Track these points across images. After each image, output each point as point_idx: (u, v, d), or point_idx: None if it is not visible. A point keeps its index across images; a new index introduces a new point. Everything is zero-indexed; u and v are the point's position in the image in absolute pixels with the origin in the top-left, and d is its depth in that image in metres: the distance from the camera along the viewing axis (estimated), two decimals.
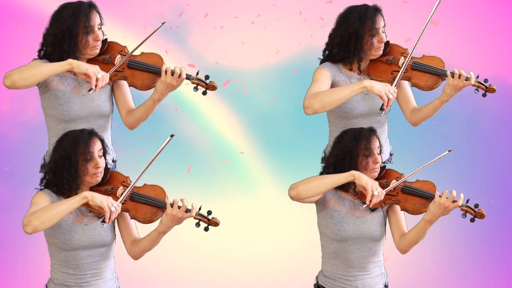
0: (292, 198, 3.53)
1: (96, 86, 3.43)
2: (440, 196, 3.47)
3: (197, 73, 3.57)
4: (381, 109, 3.60)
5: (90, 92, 3.45)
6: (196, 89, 3.57)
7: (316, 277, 3.72)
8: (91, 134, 3.39)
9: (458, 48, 5.33)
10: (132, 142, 5.03)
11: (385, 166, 3.61)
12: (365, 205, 3.48)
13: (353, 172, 3.49)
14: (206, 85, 3.56)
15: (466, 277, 5.32)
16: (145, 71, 3.57)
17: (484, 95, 3.68)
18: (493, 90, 3.67)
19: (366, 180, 3.46)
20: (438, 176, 4.79)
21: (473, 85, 3.65)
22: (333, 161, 3.58)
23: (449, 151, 3.59)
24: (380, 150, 3.58)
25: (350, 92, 3.59)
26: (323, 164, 3.68)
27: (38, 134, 4.85)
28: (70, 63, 3.42)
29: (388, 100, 3.54)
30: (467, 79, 3.62)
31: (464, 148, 5.34)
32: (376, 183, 3.48)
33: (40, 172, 3.73)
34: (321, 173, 3.64)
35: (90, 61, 3.57)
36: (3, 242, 5.16)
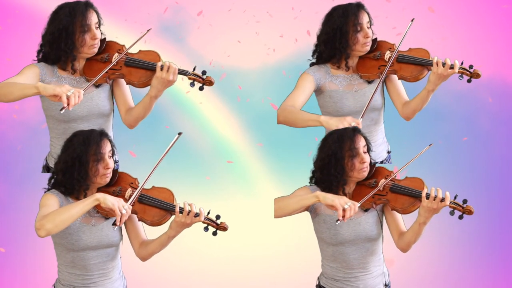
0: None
1: (68, 104, 3.32)
2: (427, 199, 3.44)
3: (194, 69, 3.57)
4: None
5: (62, 111, 3.34)
6: (192, 84, 3.57)
7: (318, 278, 3.72)
8: (101, 134, 3.40)
9: (457, 48, 5.33)
10: (131, 142, 5.03)
11: (375, 165, 3.61)
12: (338, 221, 3.41)
13: (316, 193, 3.46)
14: (202, 80, 3.55)
15: (466, 276, 5.32)
16: (142, 68, 3.57)
17: (469, 81, 3.65)
18: (477, 76, 3.63)
19: (331, 198, 3.41)
20: (438, 176, 4.80)
21: (458, 72, 3.64)
22: (319, 165, 3.57)
23: (430, 145, 3.60)
24: (368, 149, 3.57)
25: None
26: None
27: (37, 134, 4.84)
28: (36, 87, 3.36)
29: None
30: (452, 67, 3.62)
31: (463, 148, 5.34)
32: (343, 197, 3.42)
33: (42, 172, 3.73)
34: (311, 178, 3.64)
35: (89, 60, 3.58)
36: (3, 243, 5.15)
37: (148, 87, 3.59)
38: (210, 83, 3.56)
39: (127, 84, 3.63)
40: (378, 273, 3.64)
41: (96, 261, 3.42)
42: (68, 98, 3.30)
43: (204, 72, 3.56)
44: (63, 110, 3.33)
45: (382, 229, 3.63)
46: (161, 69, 3.51)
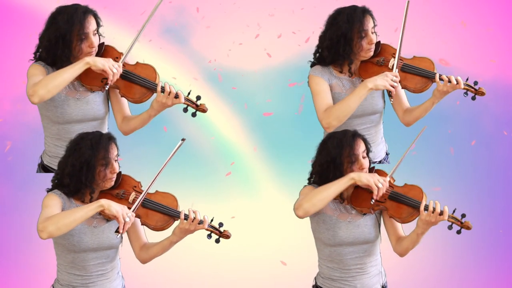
0: (300, 217, 3.51)
1: (111, 80, 3.46)
2: (425, 211, 3.43)
3: (189, 93, 3.56)
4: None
5: (106, 87, 3.47)
6: (185, 110, 3.56)
7: (315, 278, 3.71)
8: (110, 139, 3.39)
9: (460, 50, 5.32)
10: (133, 144, 5.03)
11: (373, 168, 3.59)
12: (373, 201, 3.47)
13: (351, 175, 3.46)
14: (196, 106, 3.55)
15: (466, 277, 5.31)
16: (138, 84, 3.55)
17: (473, 98, 3.65)
18: (482, 94, 3.63)
19: (367, 178, 3.45)
20: (440, 177, 4.78)
21: (462, 89, 3.63)
22: (318, 170, 3.56)
23: (424, 128, 3.58)
24: (367, 153, 3.56)
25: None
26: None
27: (40, 135, 4.85)
28: (87, 62, 3.44)
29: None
30: (457, 82, 3.61)
31: (466, 150, 5.33)
32: (375, 175, 3.47)
33: (37, 172, 3.72)
34: (309, 179, 3.63)
35: None
36: (4, 243, 5.16)
37: (142, 103, 3.59)
38: (203, 110, 3.56)
39: (121, 97, 3.62)
40: (375, 273, 3.63)
41: (96, 262, 3.42)
42: (113, 75, 3.46)
43: (198, 97, 3.55)
44: (107, 86, 3.49)
45: (380, 231, 3.62)
46: (162, 92, 3.51)
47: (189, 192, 5.12)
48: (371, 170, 3.56)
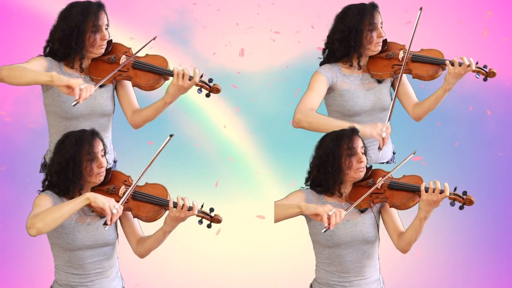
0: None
1: (80, 97, 3.36)
2: (426, 192, 3.41)
3: (201, 76, 3.59)
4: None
5: (73, 105, 3.37)
6: (200, 91, 3.60)
7: (311, 285, 3.68)
8: (93, 134, 3.42)
9: (463, 51, 5.32)
10: (134, 143, 5.04)
11: (371, 166, 3.59)
12: (324, 230, 3.35)
13: (299, 204, 3.45)
14: (209, 87, 3.59)
15: (466, 281, 5.31)
16: (150, 71, 3.60)
17: (485, 79, 3.69)
18: (493, 74, 3.67)
19: (314, 207, 3.39)
20: (442, 178, 4.77)
21: (473, 71, 3.67)
22: (316, 164, 3.56)
23: (413, 152, 3.59)
24: (365, 150, 3.56)
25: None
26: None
27: (41, 136, 4.86)
28: (51, 75, 3.37)
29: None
30: (468, 65, 3.65)
31: (469, 151, 5.33)
32: (327, 205, 3.39)
33: (40, 172, 3.74)
34: (307, 179, 3.62)
35: (95, 60, 3.61)
36: (6, 244, 5.16)
37: (154, 90, 3.63)
38: (217, 90, 3.60)
39: (133, 86, 3.67)
40: (374, 279, 3.60)
41: (93, 260, 3.44)
42: (80, 91, 3.35)
43: (211, 80, 3.60)
44: (74, 103, 3.36)
45: (378, 232, 3.60)
46: (177, 76, 3.55)
47: (188, 194, 5.12)
48: (368, 169, 3.56)
